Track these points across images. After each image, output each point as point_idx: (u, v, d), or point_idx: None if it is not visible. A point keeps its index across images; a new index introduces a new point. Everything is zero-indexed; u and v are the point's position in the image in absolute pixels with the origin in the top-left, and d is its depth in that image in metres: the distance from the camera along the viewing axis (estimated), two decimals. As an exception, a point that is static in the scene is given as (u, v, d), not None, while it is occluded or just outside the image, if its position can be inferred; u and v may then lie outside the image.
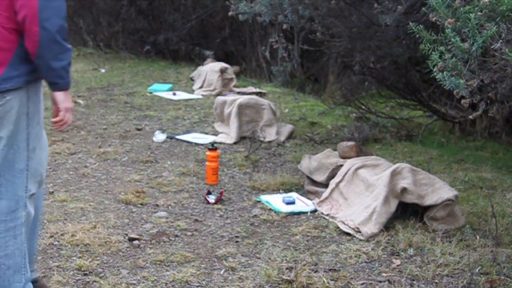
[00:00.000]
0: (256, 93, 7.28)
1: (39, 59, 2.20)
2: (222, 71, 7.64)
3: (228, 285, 2.79)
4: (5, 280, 2.31)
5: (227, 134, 5.36)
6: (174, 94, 7.24)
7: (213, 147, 4.28)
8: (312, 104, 7.16)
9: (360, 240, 3.28)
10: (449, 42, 2.65)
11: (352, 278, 2.85)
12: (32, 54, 2.19)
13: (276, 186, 4.14)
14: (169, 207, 3.75)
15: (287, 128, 5.50)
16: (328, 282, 2.79)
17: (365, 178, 3.60)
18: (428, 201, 3.42)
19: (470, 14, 2.56)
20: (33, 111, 2.29)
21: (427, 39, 2.77)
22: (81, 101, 6.62)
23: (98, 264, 2.95)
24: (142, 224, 3.48)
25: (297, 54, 9.15)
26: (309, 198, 3.91)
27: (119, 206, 3.72)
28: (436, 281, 2.83)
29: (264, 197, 3.91)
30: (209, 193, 3.93)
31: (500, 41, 2.55)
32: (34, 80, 2.27)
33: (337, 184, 3.74)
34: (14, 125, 2.24)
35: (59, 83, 2.28)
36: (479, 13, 2.57)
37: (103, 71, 8.91)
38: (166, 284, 2.79)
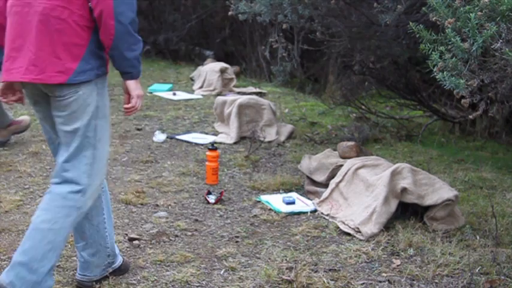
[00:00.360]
0: (256, 93, 7.28)
1: (114, 51, 2.39)
2: (222, 71, 7.64)
3: (228, 285, 2.79)
4: (39, 253, 2.41)
5: (227, 134, 5.36)
6: (174, 94, 7.24)
7: (213, 147, 4.28)
8: (312, 104, 7.16)
9: (360, 240, 3.28)
10: (450, 42, 2.65)
11: (352, 278, 2.85)
12: (107, 47, 2.39)
13: (276, 186, 4.14)
14: (169, 207, 3.75)
15: (287, 128, 5.50)
16: (328, 282, 2.79)
17: (365, 178, 3.60)
18: (428, 201, 3.42)
19: (471, 14, 2.56)
20: (102, 105, 2.49)
21: (427, 39, 2.77)
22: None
23: (97, 264, 2.95)
24: (142, 224, 3.48)
25: (297, 54, 9.15)
26: (309, 198, 3.91)
27: (118, 206, 3.72)
28: (436, 281, 2.83)
29: (264, 197, 3.91)
30: (209, 193, 3.93)
31: (500, 40, 2.55)
32: (102, 74, 2.47)
33: (337, 184, 3.74)
34: (86, 116, 2.44)
35: (132, 72, 2.47)
36: (479, 13, 2.56)
37: (103, 71, 8.89)
38: (166, 284, 2.79)
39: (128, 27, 2.35)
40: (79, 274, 2.75)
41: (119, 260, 2.83)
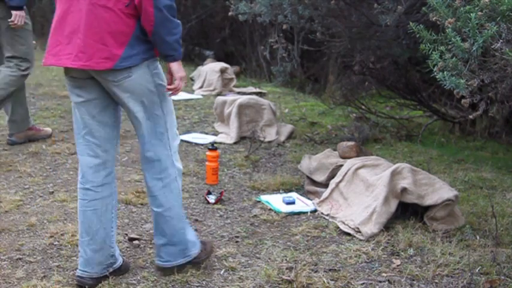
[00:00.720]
0: (256, 93, 7.28)
1: (155, 36, 2.52)
2: (222, 71, 7.64)
3: (228, 285, 2.79)
4: (171, 228, 2.78)
5: (227, 134, 5.36)
6: (174, 94, 7.23)
7: (213, 147, 4.28)
8: (312, 104, 7.16)
9: (360, 240, 3.28)
10: (450, 42, 2.64)
11: (352, 278, 2.85)
12: (148, 32, 2.52)
13: (276, 186, 4.14)
14: (169, 207, 3.75)
15: (287, 128, 5.49)
16: (328, 282, 2.79)
17: (365, 178, 3.60)
18: (428, 201, 3.42)
19: (471, 14, 2.56)
20: (161, 82, 2.66)
21: (427, 39, 2.77)
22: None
23: (97, 264, 2.95)
24: (142, 224, 3.48)
25: (297, 54, 9.14)
26: (309, 198, 3.91)
27: (119, 206, 3.70)
28: (436, 281, 2.83)
29: (264, 197, 3.91)
30: (209, 193, 3.93)
31: (501, 40, 2.55)
32: (150, 58, 2.59)
33: (337, 184, 3.74)
34: (148, 97, 2.63)
35: (174, 55, 2.61)
36: (480, 13, 2.57)
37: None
38: (166, 284, 2.79)
39: (165, 13, 2.47)
40: (79, 270, 2.76)
41: (119, 261, 2.84)
